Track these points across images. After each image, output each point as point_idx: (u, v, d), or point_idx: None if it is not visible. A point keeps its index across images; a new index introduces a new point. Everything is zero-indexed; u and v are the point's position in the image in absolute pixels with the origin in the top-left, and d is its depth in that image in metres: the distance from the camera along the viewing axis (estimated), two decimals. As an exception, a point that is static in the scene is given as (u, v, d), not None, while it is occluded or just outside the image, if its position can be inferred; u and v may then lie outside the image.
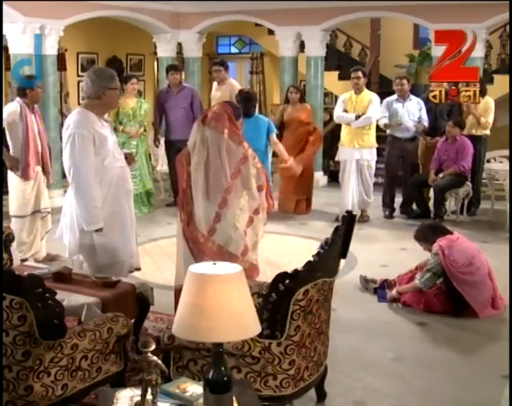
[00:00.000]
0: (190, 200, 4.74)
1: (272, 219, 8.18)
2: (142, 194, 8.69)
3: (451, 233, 5.52)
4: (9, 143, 6.38)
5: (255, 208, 4.84)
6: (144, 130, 8.88)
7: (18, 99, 6.39)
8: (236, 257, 4.67)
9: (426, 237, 5.57)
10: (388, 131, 8.69)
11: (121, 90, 8.40)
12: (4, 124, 6.31)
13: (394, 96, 8.60)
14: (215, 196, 4.69)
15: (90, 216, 4.42)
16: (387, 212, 8.75)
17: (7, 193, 7.66)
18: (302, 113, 8.73)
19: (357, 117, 8.14)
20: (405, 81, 8.58)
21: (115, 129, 8.36)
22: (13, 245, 6.31)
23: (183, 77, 11.54)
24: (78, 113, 4.49)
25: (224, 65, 9.31)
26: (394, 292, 5.57)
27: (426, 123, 8.54)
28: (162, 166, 9.84)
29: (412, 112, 8.50)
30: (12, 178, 6.44)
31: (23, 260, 6.13)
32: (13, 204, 6.44)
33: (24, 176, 6.31)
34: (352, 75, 8.32)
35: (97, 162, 4.44)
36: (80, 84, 4.59)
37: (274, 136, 7.44)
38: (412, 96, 8.62)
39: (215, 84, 9.51)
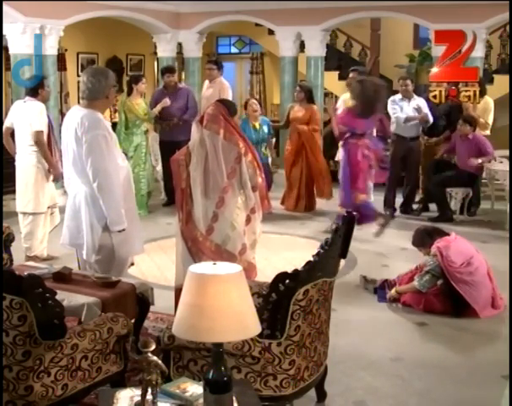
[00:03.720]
0: (189, 199, 4.75)
1: (272, 219, 8.22)
2: (145, 195, 8.70)
3: (448, 234, 5.52)
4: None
5: (251, 207, 4.86)
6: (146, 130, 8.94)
7: (28, 98, 6.45)
8: (234, 256, 4.69)
9: (423, 242, 5.57)
10: (392, 130, 8.69)
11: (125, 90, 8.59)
12: (43, 126, 6.43)
13: (399, 95, 8.61)
14: (213, 195, 4.71)
15: (119, 216, 4.45)
16: (388, 212, 8.74)
17: (7, 193, 7.66)
18: (303, 113, 8.76)
19: (357, 117, 8.13)
20: (409, 82, 8.59)
21: (132, 128, 8.42)
22: (22, 243, 6.41)
23: (183, 77, 11.61)
24: (90, 114, 4.45)
25: (217, 64, 9.48)
26: (393, 291, 5.57)
27: (431, 119, 8.54)
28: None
29: (418, 111, 8.49)
30: (33, 176, 6.49)
31: (30, 258, 6.20)
32: (31, 202, 6.51)
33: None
34: (349, 75, 8.38)
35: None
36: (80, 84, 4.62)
37: None
38: (415, 96, 8.62)
39: (206, 82, 9.61)
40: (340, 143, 8.18)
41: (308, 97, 8.88)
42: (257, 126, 8.69)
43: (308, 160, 8.82)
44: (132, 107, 8.42)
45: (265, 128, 8.78)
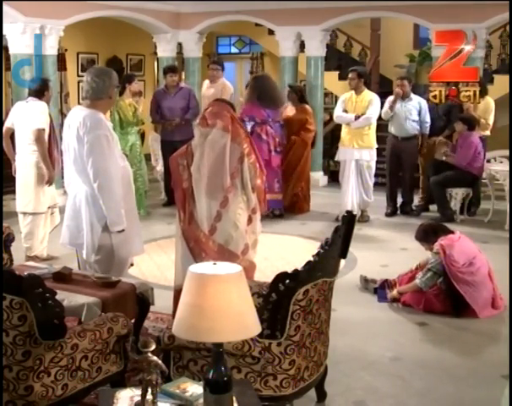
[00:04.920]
0: (192, 199, 4.74)
1: (272, 219, 8.22)
2: (143, 195, 8.70)
3: (452, 232, 5.52)
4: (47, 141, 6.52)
5: (253, 207, 4.86)
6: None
7: (31, 99, 6.46)
8: (236, 256, 4.68)
9: (427, 237, 5.56)
10: (391, 130, 8.71)
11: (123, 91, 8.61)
12: (45, 125, 6.45)
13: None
14: (217, 195, 4.70)
15: (119, 217, 4.45)
16: (388, 210, 8.77)
17: (7, 193, 7.66)
18: (294, 113, 8.75)
19: (357, 117, 8.15)
20: (405, 82, 8.60)
21: (129, 127, 8.41)
22: (22, 243, 6.41)
23: (183, 77, 11.62)
24: (92, 114, 4.45)
25: (222, 65, 9.56)
26: (394, 292, 5.57)
27: (426, 126, 8.58)
28: (162, 166, 9.87)
29: (410, 112, 8.51)
30: (34, 176, 6.50)
31: (30, 258, 6.20)
32: (31, 202, 6.51)
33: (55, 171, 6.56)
34: (348, 76, 8.39)
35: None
36: (80, 84, 4.61)
37: None
38: (414, 96, 8.62)
39: (206, 82, 9.64)
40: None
41: (300, 97, 8.89)
42: None
43: (295, 169, 8.81)
44: (123, 108, 8.40)
45: None
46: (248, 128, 8.04)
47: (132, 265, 5.11)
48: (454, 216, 8.34)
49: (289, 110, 8.85)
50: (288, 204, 8.78)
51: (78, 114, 4.51)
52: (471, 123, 8.29)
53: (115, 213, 4.44)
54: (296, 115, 8.76)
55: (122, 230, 4.48)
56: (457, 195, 8.42)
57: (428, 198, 8.84)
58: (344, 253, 3.66)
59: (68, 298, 3.92)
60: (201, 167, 4.70)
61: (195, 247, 4.73)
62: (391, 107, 8.52)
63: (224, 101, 5.21)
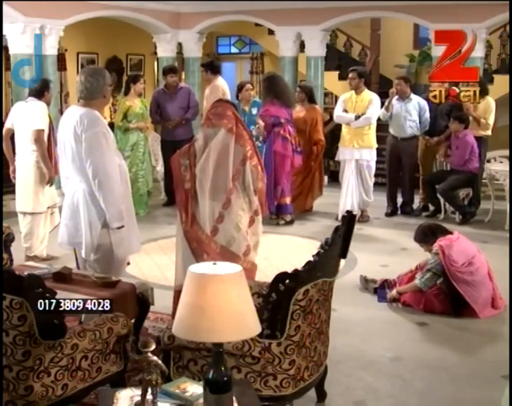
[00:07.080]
0: (194, 201, 4.73)
1: (272, 218, 8.21)
2: (144, 195, 8.69)
3: (451, 232, 5.52)
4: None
5: (255, 209, 4.85)
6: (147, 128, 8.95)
7: (31, 99, 6.46)
8: (238, 257, 4.67)
9: (426, 238, 5.56)
10: (390, 131, 8.73)
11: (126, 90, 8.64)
12: (44, 125, 6.47)
13: (396, 95, 8.61)
14: (220, 196, 4.69)
15: (118, 213, 4.45)
16: (388, 210, 8.79)
17: (7, 193, 7.66)
18: (304, 113, 8.73)
19: (357, 117, 8.15)
20: (402, 81, 8.61)
21: (126, 130, 8.42)
22: (22, 243, 6.41)
23: (183, 77, 11.64)
24: (89, 113, 4.45)
25: (206, 66, 9.39)
26: (394, 292, 5.57)
27: (424, 126, 8.63)
28: (162, 166, 9.88)
29: (409, 112, 8.52)
30: (33, 176, 6.50)
31: (30, 258, 6.20)
32: (30, 202, 6.51)
33: (56, 172, 6.50)
34: (348, 76, 8.39)
35: None
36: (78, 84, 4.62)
37: None
38: (414, 96, 8.63)
39: None
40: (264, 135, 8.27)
41: (309, 97, 8.85)
42: (246, 109, 8.63)
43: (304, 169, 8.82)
44: (119, 108, 8.42)
45: (254, 111, 8.63)
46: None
47: (128, 264, 5.11)
48: (470, 210, 8.36)
49: (298, 110, 8.77)
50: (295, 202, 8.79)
51: (73, 113, 4.51)
52: (467, 121, 8.31)
53: (114, 209, 4.44)
54: (306, 115, 8.71)
55: (122, 226, 4.49)
56: (457, 195, 8.42)
57: (427, 199, 8.86)
58: (344, 253, 3.66)
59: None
60: (206, 168, 4.68)
61: (197, 248, 4.73)
62: (387, 108, 8.52)
63: (227, 101, 5.21)
